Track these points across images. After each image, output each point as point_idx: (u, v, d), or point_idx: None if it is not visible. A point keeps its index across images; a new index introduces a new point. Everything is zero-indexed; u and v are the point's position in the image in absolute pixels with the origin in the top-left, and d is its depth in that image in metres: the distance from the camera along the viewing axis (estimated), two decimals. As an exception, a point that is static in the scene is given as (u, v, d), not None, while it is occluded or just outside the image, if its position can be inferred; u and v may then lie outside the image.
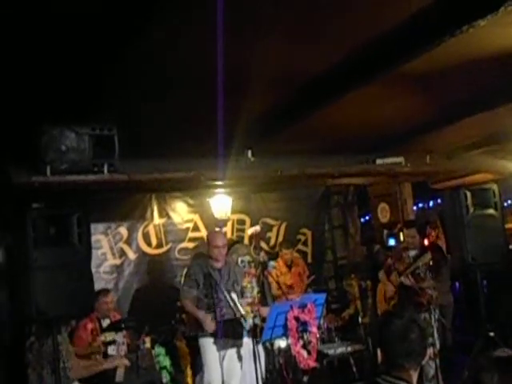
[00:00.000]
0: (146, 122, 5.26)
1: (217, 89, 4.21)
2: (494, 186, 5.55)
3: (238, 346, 5.75)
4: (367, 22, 3.80)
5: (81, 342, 5.65)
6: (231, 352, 5.76)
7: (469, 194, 5.37)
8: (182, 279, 6.65)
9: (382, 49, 4.14)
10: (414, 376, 2.53)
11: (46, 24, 3.32)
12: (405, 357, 2.51)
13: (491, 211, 5.48)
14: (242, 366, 5.81)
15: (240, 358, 5.76)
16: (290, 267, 7.99)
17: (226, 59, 3.81)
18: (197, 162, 6.44)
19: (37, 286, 4.11)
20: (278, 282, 7.66)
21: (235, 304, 5.73)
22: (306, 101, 5.21)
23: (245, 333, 5.73)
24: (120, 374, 5.23)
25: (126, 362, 5.36)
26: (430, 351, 2.64)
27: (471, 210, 5.38)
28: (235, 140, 5.79)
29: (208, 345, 5.75)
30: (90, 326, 5.82)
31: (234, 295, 5.80)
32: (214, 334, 5.71)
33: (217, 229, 7.61)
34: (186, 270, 6.30)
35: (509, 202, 11.96)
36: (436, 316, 6.12)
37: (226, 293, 5.78)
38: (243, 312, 5.67)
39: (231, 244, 6.70)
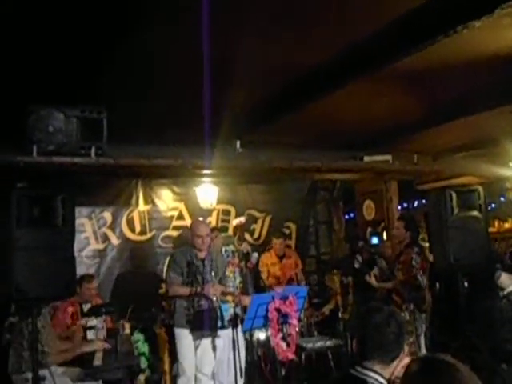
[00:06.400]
0: (135, 108, 5.23)
1: (205, 78, 4.21)
2: (480, 188, 5.57)
3: (213, 337, 5.74)
4: (362, 19, 3.81)
5: (58, 324, 5.62)
6: (205, 342, 5.76)
7: (454, 195, 5.38)
8: (165, 267, 6.63)
9: (375, 45, 4.14)
10: (387, 370, 2.57)
11: (38, 5, 3.29)
12: (377, 349, 2.56)
13: (475, 213, 5.49)
14: (215, 356, 5.82)
15: (214, 347, 5.76)
16: (281, 259, 8.01)
17: (214, 49, 3.80)
18: (185, 149, 6.43)
19: (18, 266, 4.06)
20: (266, 271, 7.76)
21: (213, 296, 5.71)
22: (297, 94, 5.21)
23: (225, 323, 5.73)
24: (99, 358, 5.21)
25: (106, 345, 5.34)
26: (407, 349, 2.67)
27: (456, 210, 5.39)
28: (224, 130, 5.79)
29: (183, 335, 5.77)
30: (70, 309, 5.79)
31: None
32: (189, 324, 5.72)
33: (200, 218, 7.59)
34: (169, 258, 6.26)
35: (493, 205, 12.10)
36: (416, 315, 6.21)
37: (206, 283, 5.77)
38: (220, 303, 5.67)
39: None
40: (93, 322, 5.79)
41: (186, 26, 3.61)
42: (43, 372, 4.31)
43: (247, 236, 8.88)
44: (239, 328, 5.42)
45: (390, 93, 5.40)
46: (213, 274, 5.84)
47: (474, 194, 5.55)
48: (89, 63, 4.14)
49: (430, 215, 5.81)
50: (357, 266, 7.00)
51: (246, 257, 6.48)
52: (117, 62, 4.20)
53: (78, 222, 6.13)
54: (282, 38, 4.01)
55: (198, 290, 5.69)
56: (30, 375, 4.30)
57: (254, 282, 7.26)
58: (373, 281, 6.63)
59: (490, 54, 4.44)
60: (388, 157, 7.47)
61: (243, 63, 4.28)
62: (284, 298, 5.34)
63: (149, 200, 8.38)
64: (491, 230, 9.63)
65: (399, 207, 10.07)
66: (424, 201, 12.01)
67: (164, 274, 7.00)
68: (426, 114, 6.16)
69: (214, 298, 5.69)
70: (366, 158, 7.41)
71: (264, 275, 7.81)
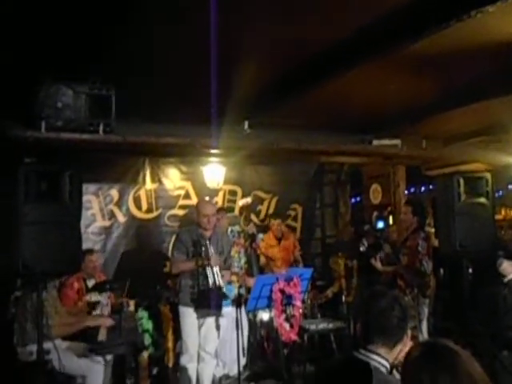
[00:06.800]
0: (143, 86, 5.21)
1: (213, 57, 4.18)
2: (488, 175, 5.53)
3: (217, 316, 5.77)
4: (375, 0, 3.76)
5: (67, 301, 5.68)
6: (209, 320, 5.78)
7: (462, 181, 5.34)
8: (171, 246, 6.66)
9: (387, 28, 4.10)
10: (391, 354, 2.58)
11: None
12: (381, 333, 2.57)
13: (482, 200, 5.46)
14: (219, 335, 5.86)
15: (218, 326, 5.79)
16: (279, 240, 7.99)
17: (223, 28, 3.77)
18: (193, 128, 6.42)
19: (24, 240, 4.07)
20: (265, 254, 7.71)
21: (217, 275, 5.72)
22: (307, 75, 5.18)
23: (229, 302, 5.76)
24: (103, 334, 5.27)
25: (110, 320, 5.39)
26: (410, 333, 2.67)
27: (463, 197, 5.35)
28: (232, 110, 5.76)
29: (187, 313, 5.78)
30: (76, 285, 5.84)
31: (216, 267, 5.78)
32: (193, 303, 5.75)
33: (206, 198, 7.59)
34: (175, 237, 6.26)
35: (500, 193, 12.06)
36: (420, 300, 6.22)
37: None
38: (222, 283, 5.68)
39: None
40: (97, 297, 5.85)
41: (195, 6, 3.58)
42: (47, 345, 4.36)
43: (253, 217, 8.90)
44: (243, 308, 5.45)
45: (400, 76, 5.36)
46: (220, 255, 5.82)
47: (481, 181, 5.51)
48: (98, 40, 4.12)
49: (437, 201, 5.78)
50: (362, 249, 6.99)
51: (251, 237, 6.50)
52: (126, 39, 4.18)
53: (84, 198, 6.12)
54: (291, 19, 3.97)
55: (200, 270, 5.67)
56: (33, 348, 4.35)
57: (259, 263, 7.30)
58: (378, 264, 6.62)
59: (503, 40, 4.39)
60: (397, 141, 7.44)
61: (252, 44, 4.25)
62: (288, 280, 5.37)
63: (156, 178, 8.38)
64: (498, 217, 9.58)
65: (406, 192, 10.05)
66: (431, 186, 11.95)
67: (169, 253, 7.03)
68: (436, 98, 6.11)
69: (217, 278, 5.68)
70: (375, 142, 7.39)
71: (260, 257, 7.81)
